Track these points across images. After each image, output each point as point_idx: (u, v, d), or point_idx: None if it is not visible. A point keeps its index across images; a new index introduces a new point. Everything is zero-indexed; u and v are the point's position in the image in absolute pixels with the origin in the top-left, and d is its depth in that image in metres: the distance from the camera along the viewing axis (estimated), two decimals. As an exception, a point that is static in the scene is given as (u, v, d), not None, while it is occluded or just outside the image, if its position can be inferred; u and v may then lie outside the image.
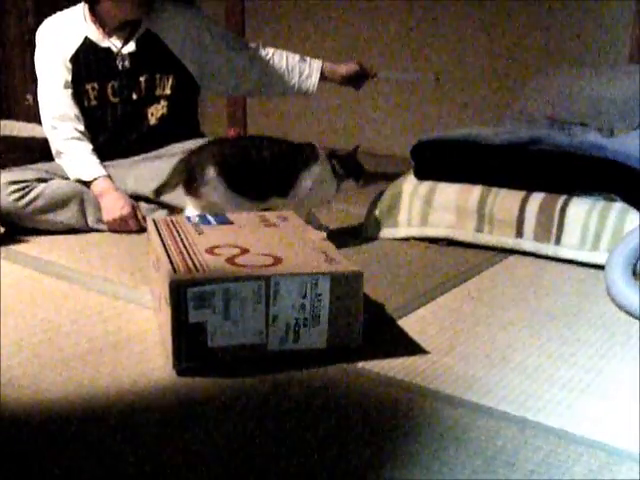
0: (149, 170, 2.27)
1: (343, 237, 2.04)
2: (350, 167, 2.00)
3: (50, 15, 2.32)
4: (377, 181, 2.17)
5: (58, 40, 2.26)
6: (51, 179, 2.19)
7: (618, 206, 1.84)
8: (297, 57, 2.45)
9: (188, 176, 1.84)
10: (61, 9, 2.31)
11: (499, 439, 1.07)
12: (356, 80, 2.55)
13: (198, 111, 2.45)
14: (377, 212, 2.12)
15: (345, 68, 2.51)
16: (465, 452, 1.04)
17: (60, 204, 2.15)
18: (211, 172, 1.82)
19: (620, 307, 1.56)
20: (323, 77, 2.47)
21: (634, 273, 1.62)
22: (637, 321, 1.51)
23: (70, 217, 2.16)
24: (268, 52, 2.43)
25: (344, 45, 3.47)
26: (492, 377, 1.27)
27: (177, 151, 2.31)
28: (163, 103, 2.29)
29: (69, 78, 2.25)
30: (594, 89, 2.47)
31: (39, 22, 2.33)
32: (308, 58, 2.46)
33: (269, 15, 3.74)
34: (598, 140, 1.99)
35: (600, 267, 1.72)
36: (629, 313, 1.53)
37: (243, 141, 1.91)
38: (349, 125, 3.58)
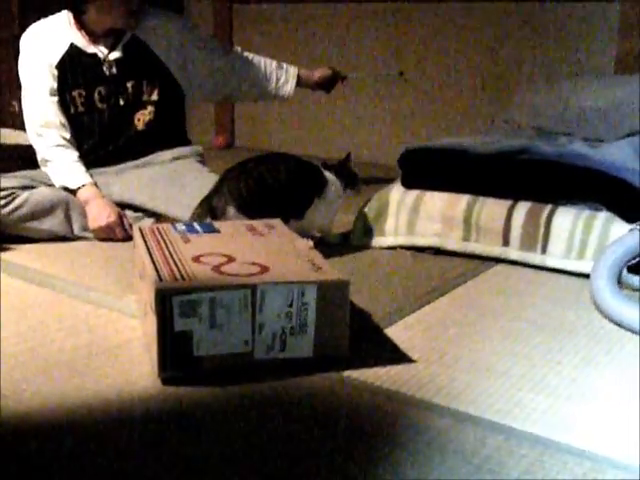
0: (136, 178, 2.26)
1: (330, 245, 2.03)
2: (345, 176, 2.01)
3: (36, 21, 2.31)
4: (364, 189, 2.18)
5: (43, 47, 2.25)
6: (36, 187, 2.18)
7: (603, 215, 1.84)
8: (274, 63, 2.49)
9: (211, 218, 1.83)
10: (47, 15, 2.30)
11: (485, 448, 1.07)
12: (329, 84, 2.66)
13: (185, 118, 2.45)
14: (364, 221, 2.12)
15: (319, 73, 2.60)
16: (451, 461, 1.04)
17: (45, 212, 2.14)
18: (231, 212, 1.83)
19: (605, 315, 1.56)
20: (299, 83, 2.52)
21: (619, 282, 1.62)
22: (622, 329, 1.51)
23: (55, 225, 2.15)
24: (247, 57, 2.46)
25: (331, 51, 3.48)
26: (478, 386, 1.27)
27: (164, 159, 2.32)
28: (150, 109, 2.29)
29: (54, 85, 2.24)
30: (580, 99, 2.49)
31: (24, 28, 2.31)
32: (284, 64, 2.51)
33: (257, 21, 3.75)
34: (584, 150, 2.00)
35: (586, 276, 1.73)
36: (614, 322, 1.54)
37: (257, 167, 1.89)
38: (336, 134, 3.59)
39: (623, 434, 1.13)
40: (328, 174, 1.99)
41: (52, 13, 2.31)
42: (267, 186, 1.86)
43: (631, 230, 1.71)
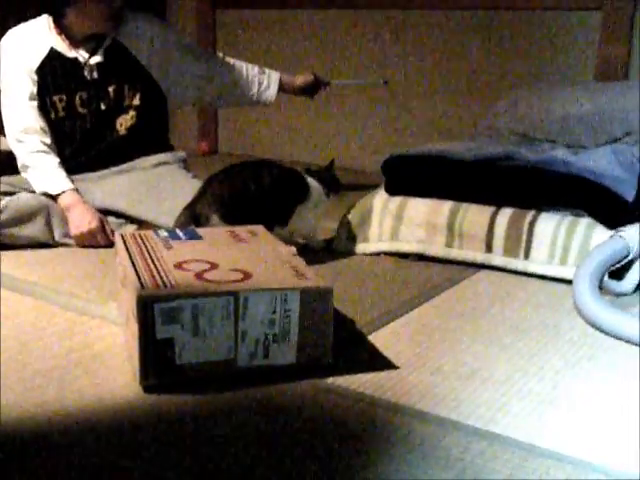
0: (118, 184, 2.25)
1: (314, 252, 2.03)
2: (328, 182, 2.01)
3: (15, 26, 2.29)
4: (348, 196, 2.18)
5: (22, 51, 2.23)
6: (17, 193, 2.16)
7: (585, 221, 1.85)
8: (256, 68, 2.49)
9: (194, 225, 1.81)
10: (26, 20, 2.28)
11: (468, 453, 1.07)
12: (311, 90, 2.65)
13: (168, 123, 2.44)
14: (348, 227, 2.12)
15: (301, 79, 2.60)
16: (435, 467, 1.04)
17: (26, 218, 2.12)
18: (215, 219, 1.81)
19: (587, 321, 1.57)
20: (281, 88, 2.51)
21: (601, 287, 1.63)
22: (604, 335, 1.52)
23: (36, 231, 2.13)
24: (229, 62, 2.45)
25: (315, 57, 3.48)
26: (461, 391, 1.27)
27: (147, 164, 2.30)
28: (132, 113, 2.28)
29: (34, 90, 2.22)
30: (562, 106, 2.50)
31: (3, 33, 2.29)
32: (267, 69, 2.51)
33: (240, 26, 3.74)
34: (566, 156, 2.01)
35: (568, 281, 1.74)
36: (596, 327, 1.54)
37: (241, 174, 1.88)
38: (320, 140, 3.58)
39: (605, 439, 1.13)
40: (311, 180, 1.99)
41: (32, 17, 2.29)
42: (250, 193, 1.85)
43: (612, 236, 1.72)
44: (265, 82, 2.49)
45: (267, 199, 1.87)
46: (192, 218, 1.83)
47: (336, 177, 2.05)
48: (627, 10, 2.80)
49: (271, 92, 2.51)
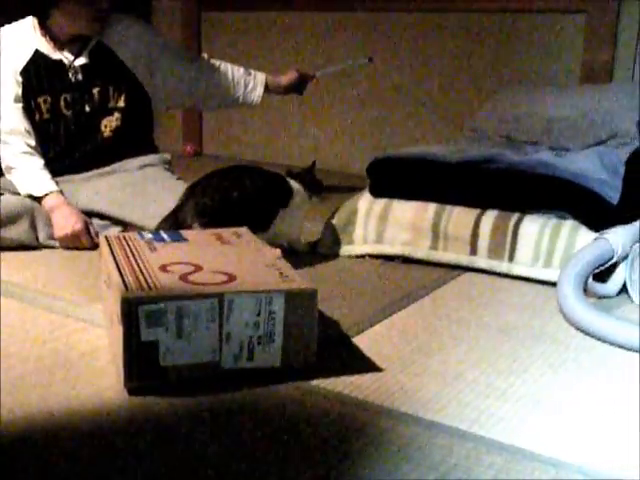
0: (103, 186, 2.24)
1: (298, 254, 2.03)
2: (310, 183, 2.01)
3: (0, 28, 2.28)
4: (333, 198, 2.18)
5: (7, 53, 2.22)
6: (1, 194, 2.15)
7: (569, 224, 1.86)
8: (242, 69, 2.49)
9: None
10: (10, 22, 2.27)
11: (453, 456, 1.07)
12: (298, 86, 2.66)
13: (153, 125, 2.43)
14: (332, 229, 2.12)
15: (286, 78, 2.60)
16: (419, 470, 1.04)
17: (10, 220, 2.10)
18: (197, 228, 1.79)
19: (572, 323, 1.58)
20: (267, 89, 2.51)
21: (585, 290, 1.64)
22: (588, 337, 1.53)
23: (20, 233, 2.12)
24: (214, 64, 2.45)
25: (300, 59, 3.48)
26: (446, 394, 1.27)
27: (131, 167, 2.30)
28: (117, 115, 2.27)
29: (19, 92, 2.21)
30: (546, 109, 2.52)
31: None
32: (252, 71, 2.51)
33: (226, 29, 3.74)
34: (550, 159, 2.02)
35: (552, 284, 1.74)
36: (581, 329, 1.55)
37: (222, 181, 1.88)
38: (305, 142, 3.59)
39: (589, 441, 1.14)
40: (293, 183, 1.99)
41: (16, 19, 2.28)
42: (232, 201, 1.84)
43: (597, 239, 1.73)
44: (251, 83, 2.49)
45: (250, 205, 1.86)
46: (174, 225, 1.82)
47: (318, 179, 2.05)
48: (611, 13, 2.82)
49: (257, 93, 2.50)
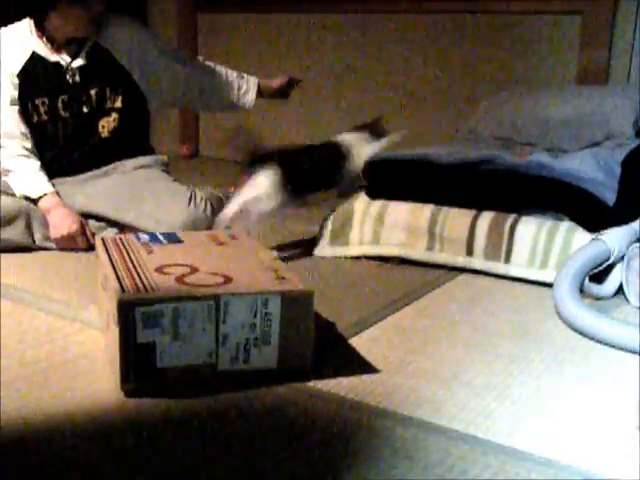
0: (99, 188, 2.24)
1: (294, 255, 2.03)
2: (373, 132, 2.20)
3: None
4: (329, 199, 2.18)
5: (4, 55, 2.21)
6: (-3, 196, 2.15)
7: (566, 225, 1.86)
8: (235, 73, 2.48)
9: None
10: (7, 24, 2.27)
11: (449, 457, 1.07)
12: (285, 91, 2.62)
13: (149, 126, 2.43)
14: (329, 230, 2.12)
15: (277, 82, 2.58)
16: (415, 471, 1.04)
17: (6, 221, 2.10)
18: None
19: (568, 324, 1.58)
20: (259, 92, 2.51)
21: (581, 291, 1.64)
22: (584, 338, 1.53)
23: (16, 234, 2.12)
24: (209, 67, 2.44)
25: (294, 61, 3.49)
26: (442, 395, 1.27)
27: (127, 168, 2.30)
28: (114, 116, 2.27)
29: (15, 94, 2.21)
30: (543, 110, 2.52)
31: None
32: (245, 74, 2.50)
33: (221, 30, 3.74)
34: (546, 160, 2.02)
35: (549, 285, 1.75)
36: (577, 330, 1.55)
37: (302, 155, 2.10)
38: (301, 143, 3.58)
39: (586, 442, 1.14)
40: (348, 138, 2.16)
41: (13, 21, 2.27)
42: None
43: (593, 240, 1.73)
44: (244, 87, 2.48)
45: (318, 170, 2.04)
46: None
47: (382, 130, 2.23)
48: (607, 14, 2.82)
49: (250, 97, 2.50)
